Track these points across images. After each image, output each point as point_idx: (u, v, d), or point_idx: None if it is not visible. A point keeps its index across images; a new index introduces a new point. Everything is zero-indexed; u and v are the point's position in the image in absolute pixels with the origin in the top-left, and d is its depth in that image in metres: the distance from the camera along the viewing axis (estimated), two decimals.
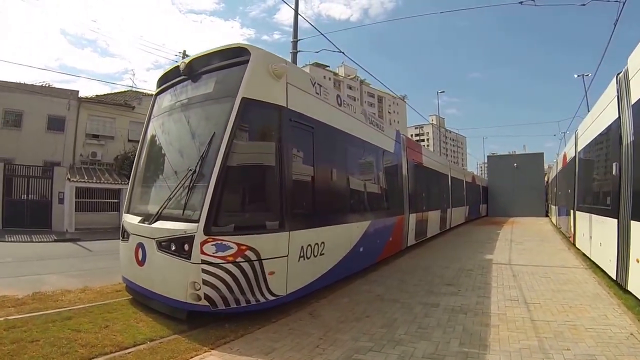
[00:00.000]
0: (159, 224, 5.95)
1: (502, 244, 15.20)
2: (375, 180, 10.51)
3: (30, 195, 21.00)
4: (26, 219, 20.21)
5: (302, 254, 6.40)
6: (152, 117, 7.59)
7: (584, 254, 11.30)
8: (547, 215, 33.67)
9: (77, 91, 24.99)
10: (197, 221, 5.37)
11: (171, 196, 5.99)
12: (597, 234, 9.14)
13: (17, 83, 23.03)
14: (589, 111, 27.95)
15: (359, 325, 5.55)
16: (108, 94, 27.80)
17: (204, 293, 5.29)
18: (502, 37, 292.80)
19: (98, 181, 22.19)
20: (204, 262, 5.31)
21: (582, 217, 11.29)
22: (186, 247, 5.41)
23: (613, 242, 7.52)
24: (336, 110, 8.12)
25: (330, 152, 7.76)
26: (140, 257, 6.21)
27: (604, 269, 8.39)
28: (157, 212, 6.04)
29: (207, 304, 5.32)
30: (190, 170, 5.83)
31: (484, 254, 12.40)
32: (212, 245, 5.33)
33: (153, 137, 7.43)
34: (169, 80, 7.24)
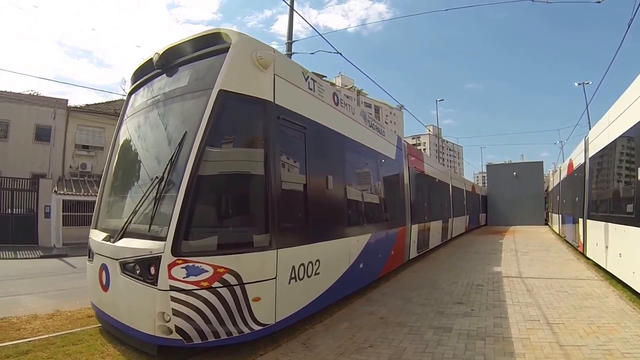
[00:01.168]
0: (123, 242, 5.06)
1: (508, 254, 14.43)
2: (376, 188, 9.59)
3: (15, 210, 20.04)
4: (11, 234, 19.22)
5: (293, 275, 5.48)
6: (124, 118, 6.68)
7: (596, 264, 10.60)
8: (546, 224, 33.22)
9: (66, 100, 24.23)
10: (164, 239, 4.46)
11: (136, 209, 5.10)
12: (616, 244, 8.34)
13: (2, 92, 22.24)
14: (589, 120, 27.65)
15: (362, 358, 4.70)
16: (98, 104, 26.91)
17: (175, 325, 4.37)
18: (497, 49, 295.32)
19: (86, 193, 21.11)
20: (172, 288, 4.39)
21: (595, 226, 10.51)
22: (152, 270, 4.51)
23: (638, 253, 6.81)
24: (332, 110, 7.20)
25: (326, 156, 6.86)
26: (104, 281, 5.33)
27: (626, 281, 7.62)
28: (122, 228, 5.15)
29: (180, 337, 4.41)
30: (158, 178, 4.92)
31: (491, 266, 11.61)
32: (182, 268, 4.41)
33: (124, 140, 6.51)
34: (143, 75, 6.37)
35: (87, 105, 25.95)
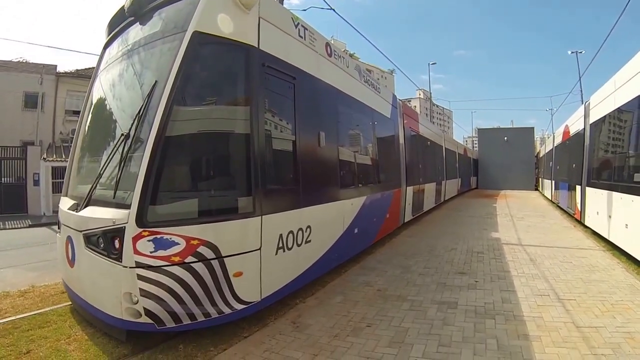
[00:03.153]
0: (87, 212, 4.29)
1: (504, 219, 13.84)
2: (371, 148, 8.77)
3: (5, 179, 19.03)
4: (1, 203, 18.41)
5: (280, 245, 4.74)
6: (97, 74, 5.81)
7: (595, 233, 10.04)
8: (536, 189, 32.84)
9: (55, 66, 22.94)
10: (128, 207, 3.70)
11: (102, 173, 4.34)
12: (622, 214, 7.66)
13: None
14: (581, 89, 26.83)
15: (359, 343, 4.02)
16: (88, 69, 25.44)
17: (144, 308, 3.67)
18: (487, 17, 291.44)
19: None
20: (139, 265, 3.65)
21: (596, 194, 9.83)
22: (116, 243, 3.78)
23: None
24: (325, 61, 6.32)
25: (317, 110, 6.03)
26: (70, 255, 4.60)
27: (633, 254, 6.99)
28: (87, 195, 4.38)
29: (151, 321, 3.71)
30: (124, 135, 4.12)
31: (489, 232, 11.00)
32: (149, 240, 3.67)
33: (95, 98, 5.68)
34: (116, 26, 5.47)
35: (76, 70, 24.55)
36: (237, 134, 4.31)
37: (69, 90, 23.08)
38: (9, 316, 4.91)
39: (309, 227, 5.42)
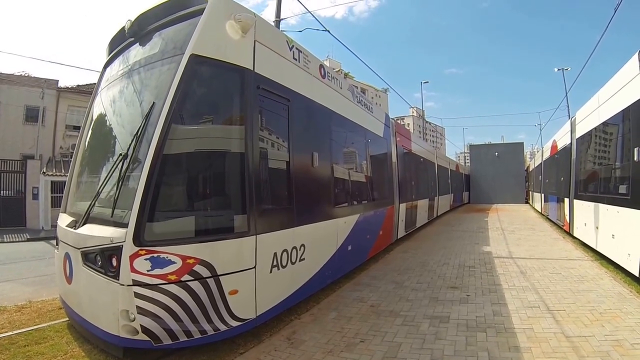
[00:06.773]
0: (85, 229, 4.27)
1: (495, 233, 13.85)
2: (364, 167, 8.78)
3: (3, 192, 18.91)
4: (0, 216, 18.22)
5: (275, 263, 4.73)
6: (97, 92, 5.84)
7: (583, 244, 10.10)
8: (526, 202, 33.03)
9: (56, 81, 22.97)
10: (126, 226, 3.68)
11: (100, 191, 4.33)
12: (609, 225, 7.75)
13: None
14: (568, 104, 27.28)
15: (353, 358, 3.99)
16: (89, 84, 25.56)
17: (141, 325, 3.63)
18: (478, 37, 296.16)
19: None
20: (136, 283, 3.63)
21: (583, 207, 9.94)
22: (114, 261, 3.75)
23: (634, 235, 6.28)
24: (319, 83, 6.36)
25: (311, 131, 6.06)
26: (67, 272, 4.57)
27: (621, 264, 7.02)
28: (85, 213, 4.37)
29: (147, 338, 3.67)
30: (122, 155, 4.13)
31: (480, 246, 10.99)
32: (146, 259, 3.65)
33: (95, 116, 5.68)
34: (117, 45, 5.50)
35: (77, 85, 24.60)
36: (232, 154, 4.33)
37: (69, 106, 23.10)
38: (6, 332, 4.83)
39: (302, 245, 5.41)
